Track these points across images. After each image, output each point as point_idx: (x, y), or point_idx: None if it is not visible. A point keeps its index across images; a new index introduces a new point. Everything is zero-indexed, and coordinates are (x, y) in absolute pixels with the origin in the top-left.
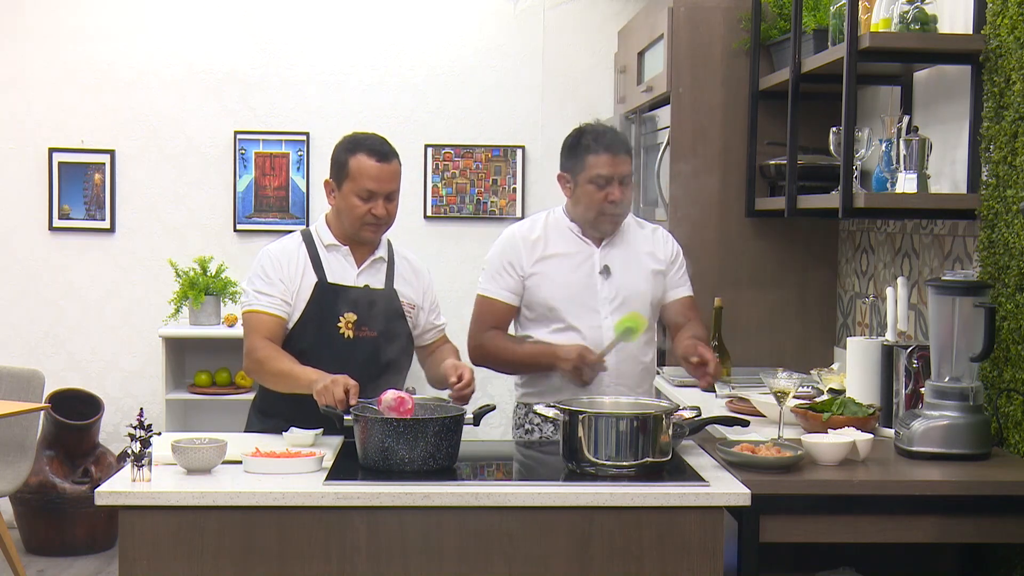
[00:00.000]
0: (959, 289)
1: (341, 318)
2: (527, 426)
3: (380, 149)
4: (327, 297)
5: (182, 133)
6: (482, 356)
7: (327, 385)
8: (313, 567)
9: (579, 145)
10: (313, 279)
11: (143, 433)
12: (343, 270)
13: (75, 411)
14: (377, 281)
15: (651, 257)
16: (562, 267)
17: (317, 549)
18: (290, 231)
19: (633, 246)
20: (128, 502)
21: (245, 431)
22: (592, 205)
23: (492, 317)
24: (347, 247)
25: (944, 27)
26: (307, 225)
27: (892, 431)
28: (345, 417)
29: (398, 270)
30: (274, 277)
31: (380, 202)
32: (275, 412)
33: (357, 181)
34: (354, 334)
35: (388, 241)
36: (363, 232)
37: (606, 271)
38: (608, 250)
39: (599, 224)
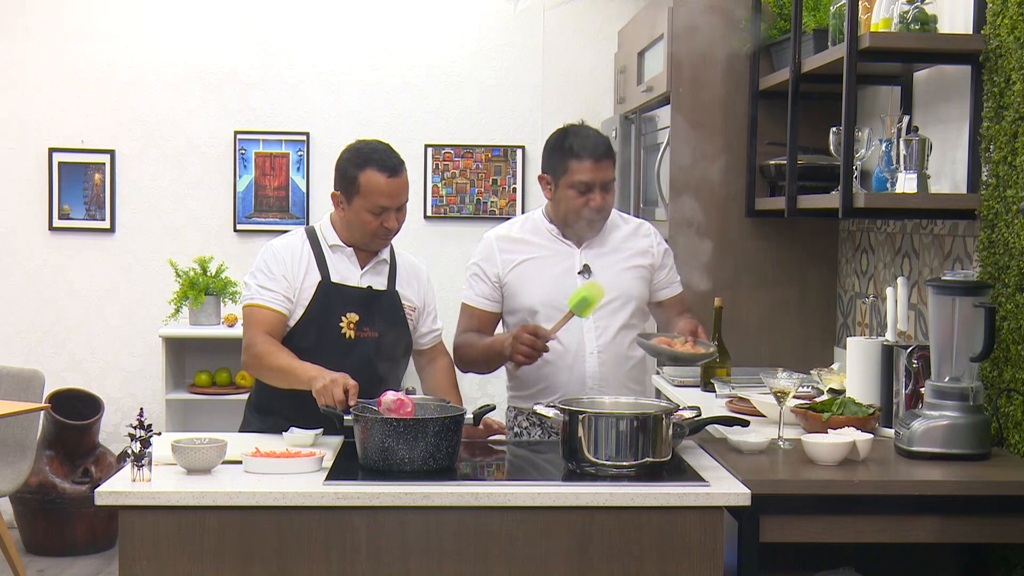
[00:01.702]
0: (959, 289)
1: (343, 318)
2: (516, 428)
3: (389, 163)
4: (330, 296)
5: (182, 133)
6: (459, 359)
7: (326, 384)
8: (313, 567)
9: (562, 148)
10: (316, 278)
11: (143, 433)
12: (347, 270)
13: (75, 411)
14: (380, 282)
15: (636, 254)
16: (541, 269)
17: (317, 549)
18: (290, 231)
19: (616, 244)
20: (128, 502)
21: (242, 429)
22: (572, 210)
23: (468, 322)
24: (351, 248)
25: (944, 27)
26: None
27: (892, 431)
28: (345, 417)
29: (400, 272)
30: (277, 273)
31: (392, 214)
32: (273, 410)
33: (369, 198)
34: (355, 334)
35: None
36: (374, 244)
37: (586, 271)
38: (589, 250)
39: (580, 229)
